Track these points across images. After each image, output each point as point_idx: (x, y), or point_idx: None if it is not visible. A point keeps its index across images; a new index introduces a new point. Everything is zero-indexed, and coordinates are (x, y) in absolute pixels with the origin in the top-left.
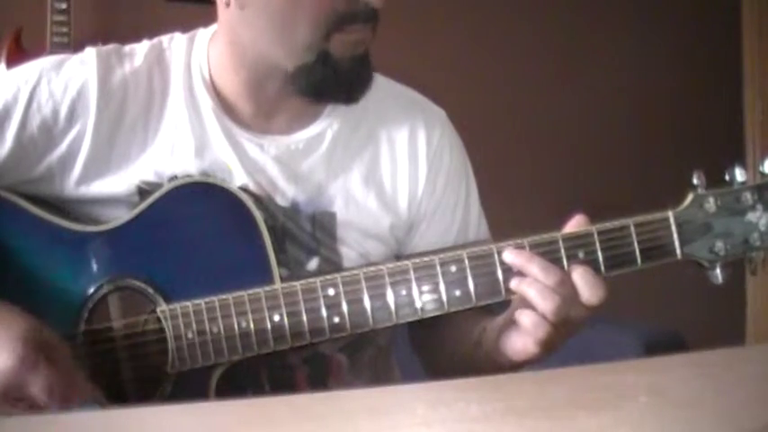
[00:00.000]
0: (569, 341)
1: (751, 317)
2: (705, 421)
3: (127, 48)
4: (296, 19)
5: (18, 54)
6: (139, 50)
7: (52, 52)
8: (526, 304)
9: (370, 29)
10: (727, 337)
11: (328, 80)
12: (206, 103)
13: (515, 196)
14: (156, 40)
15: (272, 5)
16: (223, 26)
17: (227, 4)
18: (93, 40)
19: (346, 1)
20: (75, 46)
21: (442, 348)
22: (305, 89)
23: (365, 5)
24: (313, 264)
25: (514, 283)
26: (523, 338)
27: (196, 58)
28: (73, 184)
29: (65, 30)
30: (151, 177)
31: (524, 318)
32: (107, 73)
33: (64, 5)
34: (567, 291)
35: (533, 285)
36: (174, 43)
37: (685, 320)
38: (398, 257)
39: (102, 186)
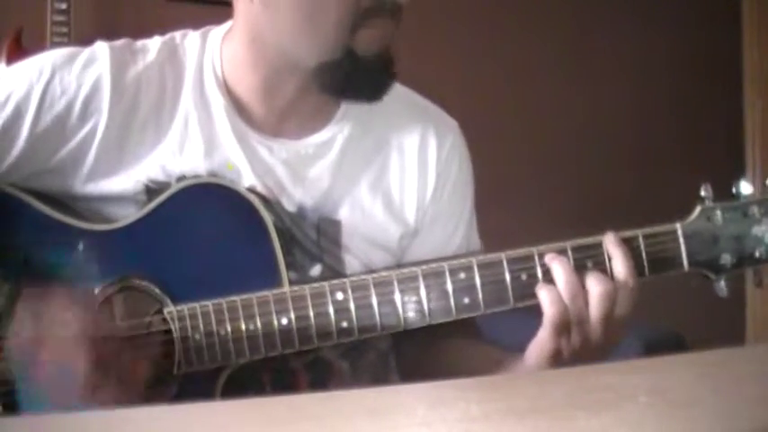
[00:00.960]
0: None
1: (751, 317)
2: (705, 421)
3: (139, 43)
4: (321, 14)
5: (18, 54)
6: (152, 46)
7: None
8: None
9: (394, 23)
10: (727, 337)
11: (352, 77)
12: (218, 102)
13: (520, 205)
14: (168, 36)
15: (299, 2)
16: (243, 22)
17: (251, 0)
18: (94, 40)
19: None
20: (75, 46)
21: (431, 363)
22: (328, 86)
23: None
24: (316, 270)
25: (538, 287)
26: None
27: (209, 55)
28: (83, 179)
29: (65, 30)
30: (160, 175)
31: (542, 291)
32: (120, 69)
33: (64, 5)
34: (575, 306)
35: (547, 290)
36: (188, 40)
37: (685, 320)
38: (399, 266)
39: (111, 183)
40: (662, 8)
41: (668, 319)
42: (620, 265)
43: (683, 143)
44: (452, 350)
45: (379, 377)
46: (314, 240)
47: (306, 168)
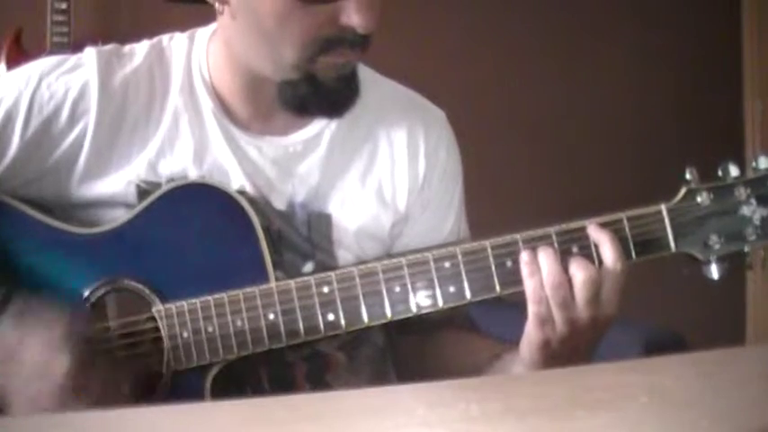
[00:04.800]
0: None
1: (751, 317)
2: (705, 421)
3: (126, 48)
4: (282, 40)
5: (18, 54)
6: (139, 50)
7: (52, 52)
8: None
9: (357, 52)
10: (727, 337)
11: (312, 98)
12: (206, 103)
13: (511, 191)
14: (155, 39)
15: (261, 24)
16: (221, 29)
17: (221, 12)
18: (93, 40)
19: (333, 27)
20: (75, 46)
21: (425, 361)
22: (289, 103)
23: (352, 32)
24: (308, 268)
25: (526, 272)
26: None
27: (196, 57)
28: (75, 184)
29: (65, 30)
30: (151, 177)
31: (526, 281)
32: (108, 74)
33: (64, 5)
34: (559, 295)
35: (532, 278)
36: (174, 42)
37: (685, 320)
38: (389, 255)
39: (103, 186)
40: (661, 6)
41: (668, 319)
42: (608, 250)
43: (682, 142)
44: (449, 343)
45: (378, 373)
46: (305, 237)
47: (295, 165)
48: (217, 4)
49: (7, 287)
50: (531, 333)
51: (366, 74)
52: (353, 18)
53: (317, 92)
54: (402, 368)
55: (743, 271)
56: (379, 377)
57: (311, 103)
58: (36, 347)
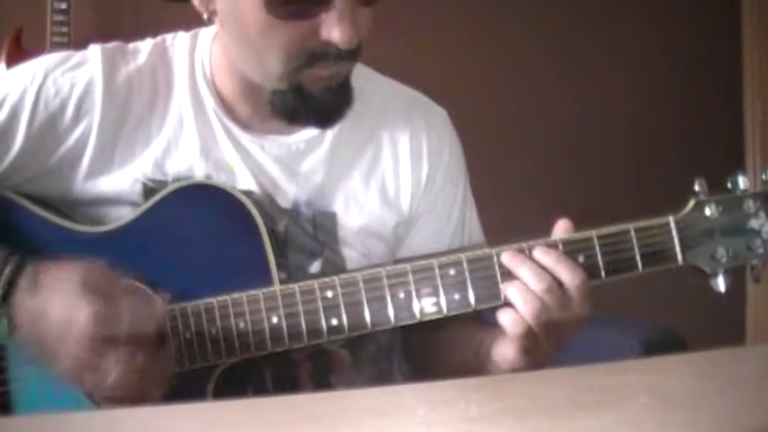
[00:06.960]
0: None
1: (751, 317)
2: (705, 421)
3: (130, 45)
4: (266, 52)
5: (18, 54)
6: (143, 48)
7: (52, 52)
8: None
9: (343, 65)
10: (727, 337)
11: (300, 107)
12: (209, 102)
13: (514, 199)
14: (159, 38)
15: (245, 35)
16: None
17: (212, 21)
18: (93, 40)
19: (315, 40)
20: (76, 46)
21: (435, 355)
22: (279, 112)
23: (335, 46)
24: (315, 266)
25: (503, 287)
26: (507, 344)
27: (199, 56)
28: (80, 181)
29: (65, 30)
30: (157, 175)
31: (503, 316)
32: (112, 71)
33: (64, 5)
34: (553, 298)
35: (517, 287)
36: (178, 41)
37: (685, 320)
38: (395, 256)
39: (108, 183)
40: (662, 7)
41: (668, 319)
42: (562, 271)
43: (683, 143)
44: (458, 338)
45: (382, 371)
46: (311, 234)
47: (298, 164)
48: (205, 14)
49: (20, 255)
50: (515, 328)
51: (368, 74)
52: (333, 33)
53: (304, 102)
54: (412, 364)
55: (743, 272)
56: (382, 375)
57: (299, 113)
58: (58, 302)
